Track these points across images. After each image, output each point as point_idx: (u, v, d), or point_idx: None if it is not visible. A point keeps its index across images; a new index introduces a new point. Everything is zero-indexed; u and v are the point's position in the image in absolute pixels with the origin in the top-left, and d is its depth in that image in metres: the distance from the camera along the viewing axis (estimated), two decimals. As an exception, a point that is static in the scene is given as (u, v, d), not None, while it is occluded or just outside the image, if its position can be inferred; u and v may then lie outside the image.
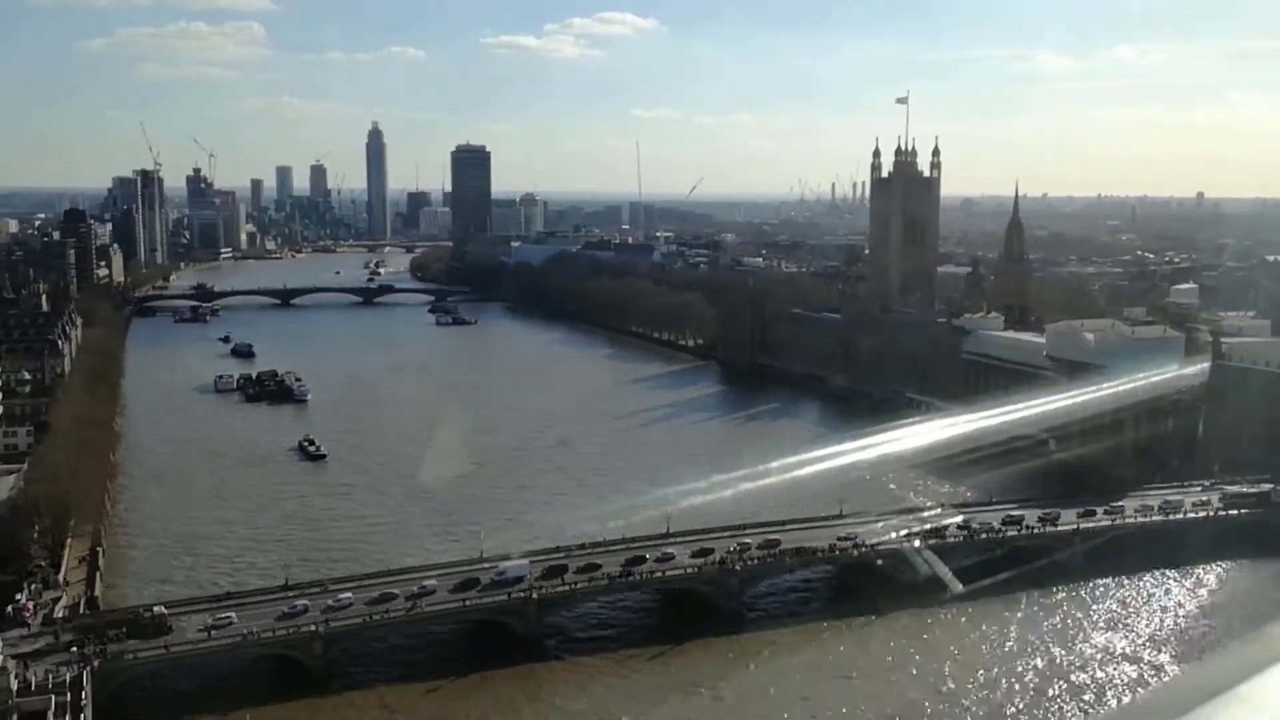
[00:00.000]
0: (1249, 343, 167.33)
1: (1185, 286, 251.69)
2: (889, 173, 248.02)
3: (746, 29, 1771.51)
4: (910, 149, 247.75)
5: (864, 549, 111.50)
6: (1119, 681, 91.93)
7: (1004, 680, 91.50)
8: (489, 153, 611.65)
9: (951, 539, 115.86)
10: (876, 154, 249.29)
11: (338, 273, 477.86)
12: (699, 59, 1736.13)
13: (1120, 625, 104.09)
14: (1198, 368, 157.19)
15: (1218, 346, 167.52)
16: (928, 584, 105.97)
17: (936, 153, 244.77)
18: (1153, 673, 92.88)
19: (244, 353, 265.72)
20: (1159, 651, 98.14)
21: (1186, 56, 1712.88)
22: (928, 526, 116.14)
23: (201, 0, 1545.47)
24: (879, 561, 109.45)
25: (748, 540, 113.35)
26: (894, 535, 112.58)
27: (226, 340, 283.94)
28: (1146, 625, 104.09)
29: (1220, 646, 73.65)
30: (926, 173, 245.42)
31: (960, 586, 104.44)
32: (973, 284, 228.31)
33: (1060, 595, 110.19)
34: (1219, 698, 5.95)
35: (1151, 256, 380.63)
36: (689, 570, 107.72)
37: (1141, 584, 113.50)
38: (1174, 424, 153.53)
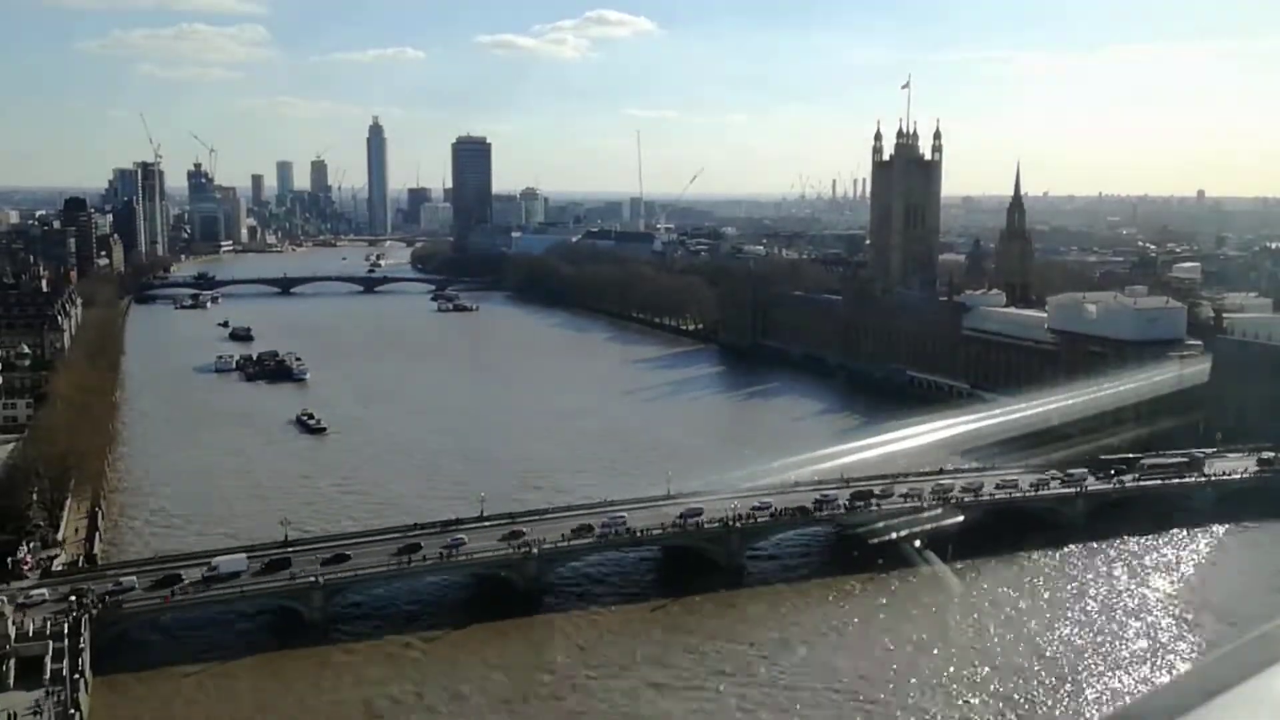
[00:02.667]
0: (1250, 318, 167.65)
1: (1187, 265, 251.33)
2: (890, 156, 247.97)
3: (743, 29, 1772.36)
4: (911, 132, 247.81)
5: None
6: (1116, 633, 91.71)
7: (1005, 634, 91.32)
8: (490, 144, 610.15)
9: (952, 499, 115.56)
10: (878, 137, 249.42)
11: (344, 259, 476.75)
12: (696, 60, 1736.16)
13: (1118, 581, 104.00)
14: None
15: (1220, 321, 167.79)
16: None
17: (938, 135, 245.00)
18: (1151, 632, 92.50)
19: (242, 336, 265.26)
20: (1158, 608, 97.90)
21: (1180, 57, 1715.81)
22: (926, 512, 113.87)
23: (201, 1, 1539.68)
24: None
25: (743, 501, 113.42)
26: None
27: (226, 325, 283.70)
28: (1145, 582, 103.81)
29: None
30: (928, 156, 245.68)
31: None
32: (973, 263, 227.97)
33: (1062, 555, 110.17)
34: (1219, 698, 5.83)
35: (1153, 247, 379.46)
36: (689, 527, 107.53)
37: (1142, 544, 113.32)
38: (1176, 396, 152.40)
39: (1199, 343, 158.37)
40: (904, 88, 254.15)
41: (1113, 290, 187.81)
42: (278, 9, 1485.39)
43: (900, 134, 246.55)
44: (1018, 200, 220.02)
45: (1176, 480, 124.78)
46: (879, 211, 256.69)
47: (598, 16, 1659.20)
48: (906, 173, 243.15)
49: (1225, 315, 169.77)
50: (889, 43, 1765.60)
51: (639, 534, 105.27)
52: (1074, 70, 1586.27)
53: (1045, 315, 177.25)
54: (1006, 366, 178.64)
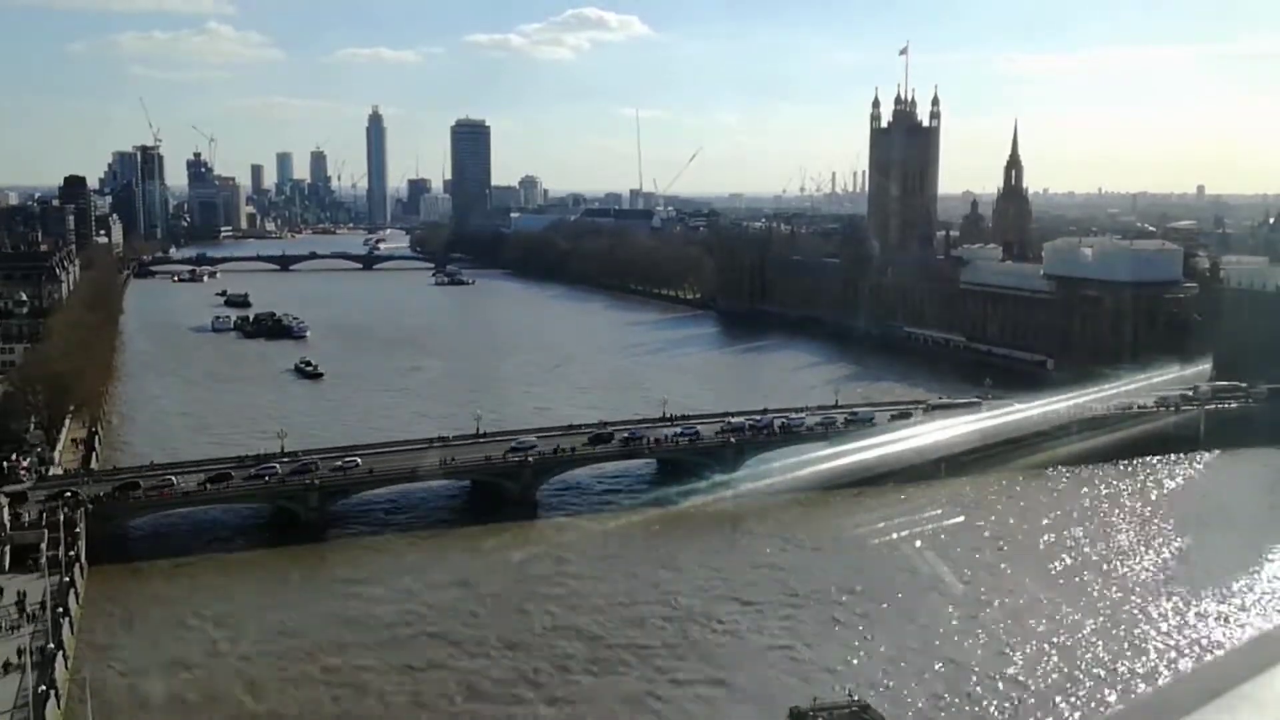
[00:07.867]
0: (1247, 268, 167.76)
1: (1185, 222, 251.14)
2: (888, 123, 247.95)
3: (736, 32, 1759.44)
4: (910, 99, 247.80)
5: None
6: (1102, 541, 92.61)
7: (998, 541, 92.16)
8: (489, 127, 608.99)
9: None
10: (876, 104, 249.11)
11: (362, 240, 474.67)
12: (689, 62, 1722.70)
13: (1110, 499, 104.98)
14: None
15: (1216, 270, 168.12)
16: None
17: (936, 102, 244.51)
18: (1135, 547, 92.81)
19: (239, 303, 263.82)
20: (1145, 521, 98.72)
21: (1179, 59, 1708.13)
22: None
23: (198, 3, 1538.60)
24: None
25: (739, 420, 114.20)
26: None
27: (223, 294, 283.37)
28: (1137, 500, 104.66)
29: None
30: (926, 123, 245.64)
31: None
32: (970, 225, 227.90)
33: (1055, 475, 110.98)
34: (1219, 698, 6.17)
35: (1154, 229, 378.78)
36: (684, 441, 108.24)
37: (1134, 467, 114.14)
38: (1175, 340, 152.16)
39: (1195, 285, 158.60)
40: (901, 53, 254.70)
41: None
42: (275, 11, 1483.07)
43: (899, 100, 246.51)
44: (1015, 158, 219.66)
45: (1169, 408, 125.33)
46: (878, 177, 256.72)
47: (597, 18, 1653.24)
48: (905, 138, 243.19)
49: (1222, 265, 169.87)
50: (885, 43, 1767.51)
51: (635, 446, 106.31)
52: (1072, 71, 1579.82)
53: (1042, 266, 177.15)
54: (1002, 317, 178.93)
